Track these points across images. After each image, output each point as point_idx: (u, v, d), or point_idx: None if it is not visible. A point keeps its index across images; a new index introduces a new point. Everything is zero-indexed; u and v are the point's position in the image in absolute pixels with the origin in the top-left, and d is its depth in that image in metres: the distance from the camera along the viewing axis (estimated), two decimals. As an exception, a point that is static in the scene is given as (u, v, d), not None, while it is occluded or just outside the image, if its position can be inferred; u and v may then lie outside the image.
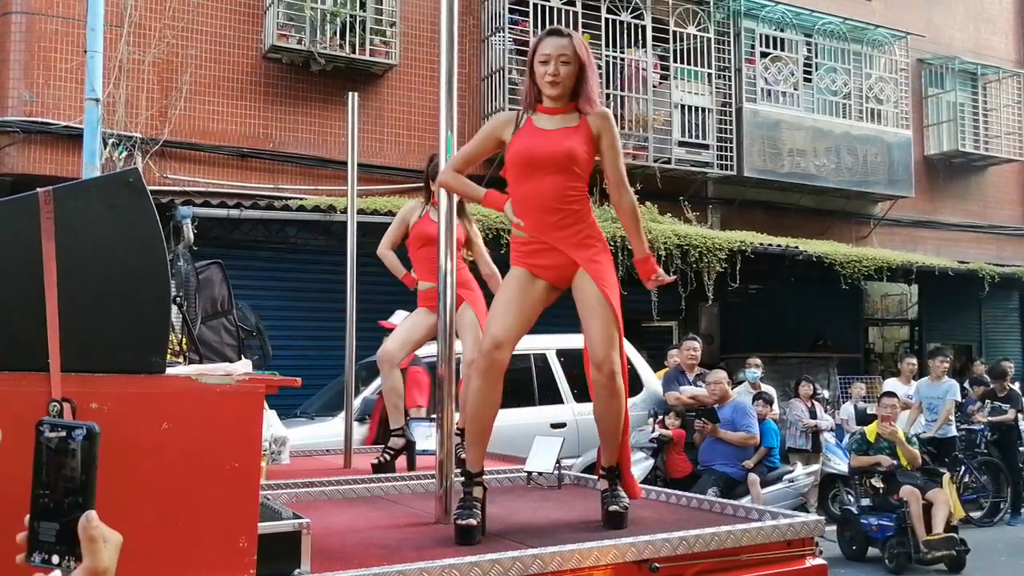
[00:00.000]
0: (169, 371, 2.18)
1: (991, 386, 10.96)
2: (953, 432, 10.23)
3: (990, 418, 10.54)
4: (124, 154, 9.67)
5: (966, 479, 10.18)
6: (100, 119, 7.63)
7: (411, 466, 4.84)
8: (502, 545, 2.84)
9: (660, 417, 8.52)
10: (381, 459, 4.81)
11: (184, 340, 2.86)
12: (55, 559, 1.03)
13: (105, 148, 8.96)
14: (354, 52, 10.86)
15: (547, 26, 11.39)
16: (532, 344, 8.18)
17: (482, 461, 3.34)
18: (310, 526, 2.37)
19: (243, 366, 2.29)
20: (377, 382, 7.73)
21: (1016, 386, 11.57)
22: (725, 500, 3.82)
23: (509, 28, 11.76)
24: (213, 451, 2.13)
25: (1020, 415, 10.93)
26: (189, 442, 2.10)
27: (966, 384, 12.38)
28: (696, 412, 8.40)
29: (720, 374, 8.68)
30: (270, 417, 4.77)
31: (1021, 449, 10.87)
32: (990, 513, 10.28)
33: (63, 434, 1.05)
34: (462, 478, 3.28)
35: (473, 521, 3.02)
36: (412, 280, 5.25)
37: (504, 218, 3.51)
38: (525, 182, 3.34)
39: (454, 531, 3.02)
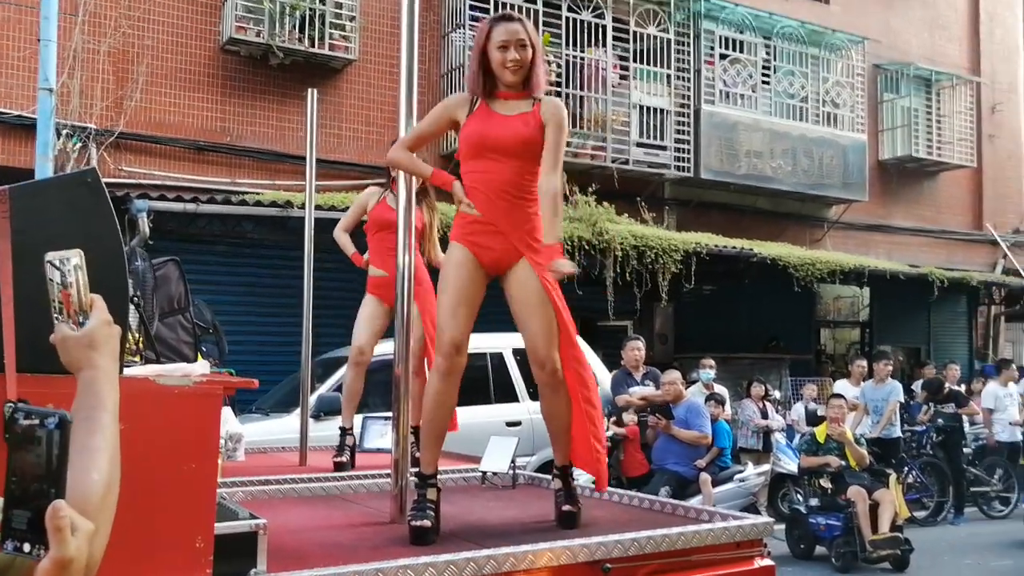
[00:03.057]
0: (127, 372, 2.18)
1: (939, 394, 11.27)
2: (897, 433, 10.44)
3: (941, 420, 10.84)
4: (78, 145, 9.54)
5: (910, 479, 10.41)
6: (54, 109, 7.52)
7: (352, 464, 4.88)
8: (457, 545, 2.86)
9: (613, 417, 8.59)
10: (344, 459, 4.84)
11: (141, 339, 2.85)
12: (26, 547, 1.03)
13: (59, 139, 8.84)
14: (313, 46, 10.80)
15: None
16: (489, 343, 8.20)
17: (436, 462, 3.35)
18: (267, 526, 2.38)
19: (201, 367, 2.30)
20: (334, 379, 7.75)
21: (963, 388, 11.91)
22: (677, 501, 3.89)
23: (470, 24, 11.74)
24: (171, 452, 2.13)
25: (964, 415, 11.24)
26: (147, 443, 2.09)
27: (913, 386, 12.67)
28: (650, 408, 8.47)
29: (674, 374, 8.75)
30: (225, 413, 4.76)
31: (964, 451, 11.15)
32: (934, 513, 10.52)
33: (36, 421, 1.06)
34: (416, 479, 3.30)
35: (427, 522, 3.04)
36: (360, 260, 5.28)
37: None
38: (477, 165, 3.35)
39: (408, 532, 3.05)
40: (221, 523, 2.29)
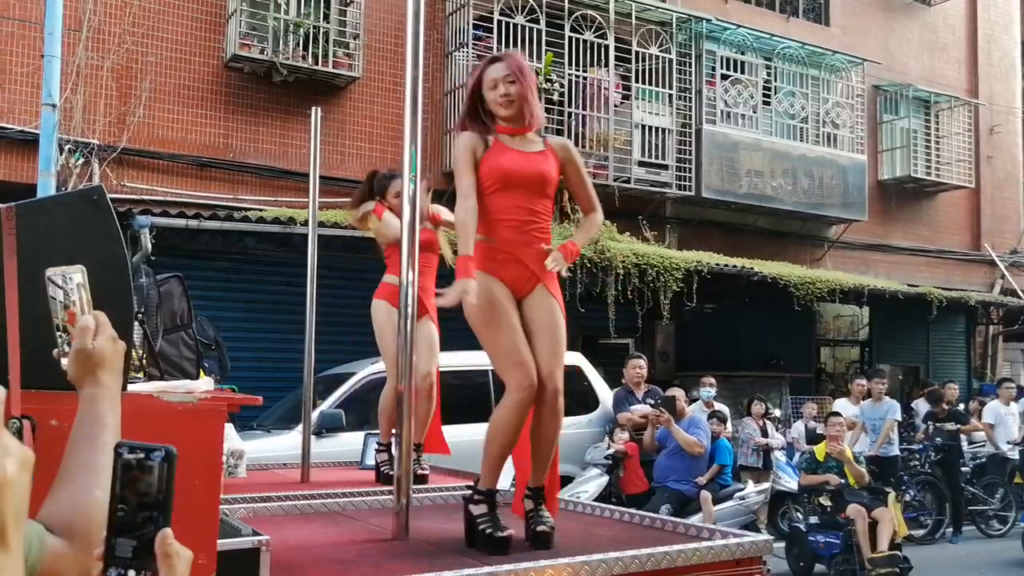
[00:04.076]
0: (131, 388, 2.19)
1: (939, 407, 11.31)
2: (895, 451, 10.43)
3: (939, 439, 10.84)
4: (80, 161, 9.56)
5: (908, 498, 10.40)
6: (57, 125, 7.55)
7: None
8: (460, 562, 2.87)
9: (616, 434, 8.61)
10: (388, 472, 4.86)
11: (144, 356, 2.87)
12: (131, 574, 1.07)
13: (61, 155, 8.87)
14: (317, 63, 10.84)
15: (511, 43, 11.54)
16: (487, 360, 8.20)
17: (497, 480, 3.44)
18: (269, 543, 2.39)
19: (205, 384, 2.31)
20: (335, 396, 7.79)
21: (961, 407, 11.92)
22: (677, 519, 3.89)
23: (473, 44, 11.81)
24: (174, 468, 2.14)
25: (963, 435, 11.25)
26: (150, 459, 2.10)
27: (912, 404, 12.69)
28: (656, 399, 8.48)
29: (677, 392, 8.80)
30: (227, 430, 4.77)
31: (963, 469, 11.16)
32: (932, 531, 10.50)
33: (141, 455, 1.09)
34: (483, 495, 3.34)
35: (512, 531, 3.18)
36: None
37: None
38: (505, 199, 3.41)
39: (491, 544, 3.12)
40: (224, 540, 2.30)
